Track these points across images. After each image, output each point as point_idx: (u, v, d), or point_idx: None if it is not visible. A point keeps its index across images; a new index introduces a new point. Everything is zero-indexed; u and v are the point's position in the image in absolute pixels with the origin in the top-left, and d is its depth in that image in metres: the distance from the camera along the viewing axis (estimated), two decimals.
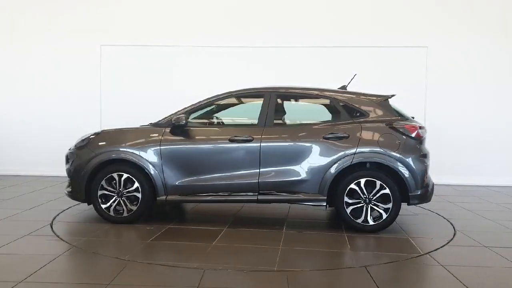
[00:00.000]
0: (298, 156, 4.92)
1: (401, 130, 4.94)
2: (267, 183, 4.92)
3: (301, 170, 4.90)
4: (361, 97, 5.22)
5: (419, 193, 4.85)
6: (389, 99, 5.27)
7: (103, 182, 5.02)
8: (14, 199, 6.38)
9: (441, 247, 4.41)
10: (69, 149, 5.34)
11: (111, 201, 5.03)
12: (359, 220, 4.83)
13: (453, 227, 5.17)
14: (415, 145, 4.94)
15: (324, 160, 4.87)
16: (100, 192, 5.03)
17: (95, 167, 5.02)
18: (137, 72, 8.71)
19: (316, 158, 4.89)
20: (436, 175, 8.40)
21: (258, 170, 4.94)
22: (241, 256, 4.10)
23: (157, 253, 4.20)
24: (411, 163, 4.82)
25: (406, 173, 4.81)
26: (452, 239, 4.71)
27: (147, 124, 5.39)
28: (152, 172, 4.96)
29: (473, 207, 6.36)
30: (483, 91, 8.46)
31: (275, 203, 5.46)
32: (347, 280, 3.55)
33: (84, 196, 5.07)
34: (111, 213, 5.03)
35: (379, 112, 5.08)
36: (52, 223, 5.06)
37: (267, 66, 8.57)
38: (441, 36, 8.46)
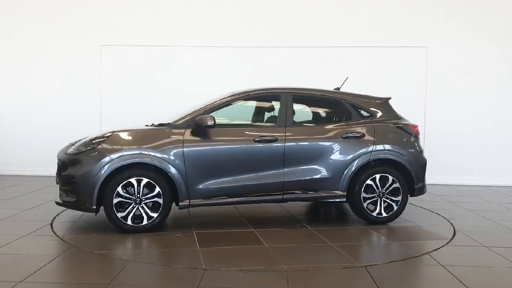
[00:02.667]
0: (320, 155, 5.10)
1: (406, 129, 5.46)
2: (291, 183, 5.00)
3: (323, 168, 5.09)
4: (367, 98, 5.57)
5: (420, 185, 5.40)
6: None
7: (119, 189, 4.59)
8: (14, 199, 6.38)
9: (441, 247, 4.40)
10: (66, 154, 4.83)
11: (128, 209, 4.61)
12: (374, 213, 5.19)
13: (453, 227, 5.17)
14: (416, 142, 5.48)
15: (344, 158, 5.13)
16: (115, 200, 4.58)
17: (110, 172, 4.57)
18: (137, 72, 8.71)
19: (337, 157, 5.13)
20: (437, 175, 8.44)
21: (282, 170, 4.99)
22: (313, 255, 4.18)
23: (226, 259, 3.97)
24: (416, 158, 5.36)
25: (412, 168, 5.30)
26: (452, 239, 4.71)
27: (151, 124, 5.32)
28: (175, 175, 4.68)
29: (473, 207, 6.36)
30: (483, 91, 8.46)
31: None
32: (347, 280, 3.55)
33: (95, 205, 4.57)
34: (129, 222, 4.62)
35: (384, 113, 5.49)
36: (52, 223, 5.05)
37: (268, 66, 8.57)
38: (441, 36, 8.47)
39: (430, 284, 3.51)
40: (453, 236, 4.82)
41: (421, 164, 5.40)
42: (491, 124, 8.45)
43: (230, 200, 4.92)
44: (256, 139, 4.95)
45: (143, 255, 4.15)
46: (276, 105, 5.32)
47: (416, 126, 5.56)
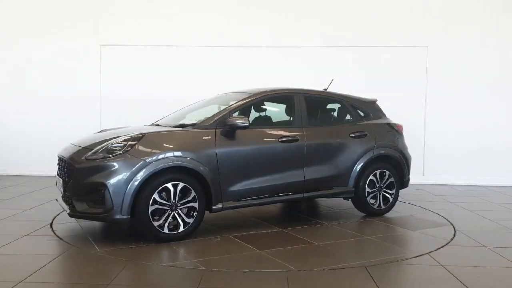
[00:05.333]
0: (333, 154, 5.37)
1: (395, 127, 5.95)
2: (311, 181, 5.16)
3: (336, 166, 5.36)
4: (361, 99, 5.92)
5: (407, 179, 5.96)
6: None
7: (155, 195, 4.25)
8: (14, 199, 6.38)
9: (441, 247, 4.40)
10: (87, 159, 4.29)
11: (164, 216, 4.29)
12: (375, 206, 5.61)
13: (453, 227, 5.17)
14: (403, 139, 5.99)
15: (353, 156, 5.46)
16: (152, 208, 4.22)
17: (148, 177, 4.20)
18: (137, 72, 8.71)
19: (347, 155, 5.43)
20: (436, 175, 8.46)
21: (303, 169, 5.11)
22: (372, 248, 4.42)
23: (304, 259, 3.98)
24: (405, 154, 5.89)
25: (403, 163, 5.84)
26: (452, 239, 4.71)
27: (151, 124, 5.29)
28: (209, 178, 4.47)
29: (473, 207, 6.37)
30: (483, 91, 8.46)
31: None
32: (347, 280, 3.55)
33: (129, 214, 4.17)
34: (165, 230, 4.31)
35: (375, 113, 5.94)
36: (52, 223, 5.05)
37: (268, 66, 8.57)
38: (441, 36, 8.46)
39: (430, 284, 3.50)
40: (453, 236, 4.82)
41: (408, 159, 5.95)
42: (491, 124, 8.45)
43: (258, 201, 4.89)
44: (280, 140, 4.98)
45: (211, 263, 3.83)
46: (290, 105, 5.38)
47: (401, 125, 6.07)
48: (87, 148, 4.47)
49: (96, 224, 5.00)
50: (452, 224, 5.31)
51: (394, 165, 5.77)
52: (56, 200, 4.87)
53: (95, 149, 4.35)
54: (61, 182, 4.55)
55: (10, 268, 3.65)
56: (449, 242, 4.58)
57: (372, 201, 5.60)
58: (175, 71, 8.69)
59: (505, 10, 8.45)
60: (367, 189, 5.53)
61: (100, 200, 4.16)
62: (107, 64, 8.75)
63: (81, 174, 4.27)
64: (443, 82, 8.48)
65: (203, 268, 3.70)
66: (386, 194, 5.69)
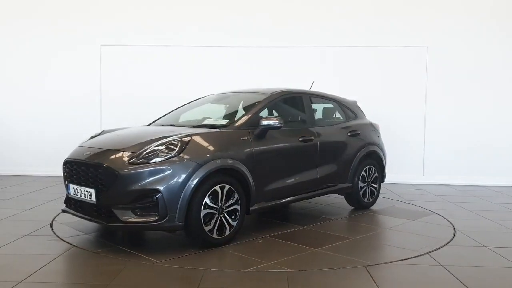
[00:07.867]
0: (338, 152, 5.64)
1: (376, 127, 6.39)
2: (322, 178, 5.37)
3: (339, 163, 5.62)
4: (348, 100, 6.27)
5: (385, 173, 6.43)
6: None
7: (206, 199, 4.08)
8: (14, 199, 6.38)
9: (441, 247, 4.40)
10: (130, 162, 3.94)
11: (213, 220, 4.14)
12: (365, 199, 6.02)
13: (453, 227, 5.17)
14: (381, 138, 6.41)
15: (352, 153, 5.78)
16: (204, 212, 4.05)
17: (202, 180, 4.03)
18: (137, 72, 8.71)
19: (347, 152, 5.73)
20: (436, 175, 8.47)
21: (316, 167, 5.31)
22: (401, 238, 4.71)
23: (362, 254, 4.13)
24: (384, 151, 6.36)
25: (384, 159, 6.32)
26: (452, 239, 4.71)
27: (148, 124, 5.30)
28: (249, 179, 4.45)
29: (473, 207, 6.37)
30: (483, 91, 8.46)
31: None
32: (347, 280, 3.55)
33: (184, 221, 3.97)
34: (215, 235, 4.17)
35: (359, 113, 6.32)
36: (52, 223, 5.05)
37: (268, 66, 8.58)
38: (441, 36, 8.47)
39: (430, 284, 3.50)
40: (453, 236, 4.82)
41: (385, 156, 6.42)
42: (491, 124, 8.45)
43: (284, 200, 4.95)
44: (300, 139, 5.10)
45: (294, 264, 3.81)
46: (301, 106, 5.49)
47: (378, 125, 6.50)
48: (120, 151, 4.12)
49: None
50: (452, 224, 5.31)
51: (378, 161, 6.20)
52: (63, 211, 4.58)
53: (138, 152, 4.01)
54: (92, 191, 4.06)
55: (10, 268, 3.65)
56: (449, 242, 4.58)
57: (361, 194, 5.96)
58: (175, 71, 8.70)
59: (505, 10, 8.44)
60: (360, 184, 5.89)
61: (151, 207, 3.89)
62: (107, 64, 8.75)
63: (126, 180, 3.89)
64: (443, 82, 8.48)
65: (291, 270, 3.67)
66: (372, 188, 6.11)
